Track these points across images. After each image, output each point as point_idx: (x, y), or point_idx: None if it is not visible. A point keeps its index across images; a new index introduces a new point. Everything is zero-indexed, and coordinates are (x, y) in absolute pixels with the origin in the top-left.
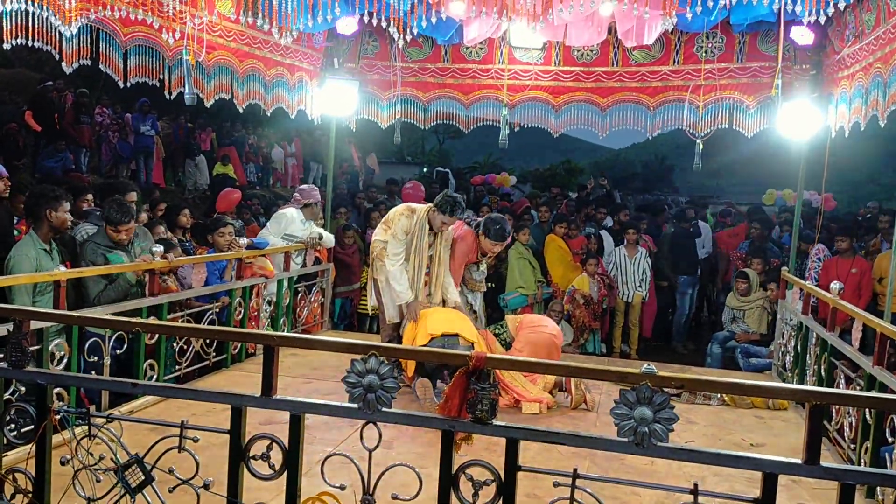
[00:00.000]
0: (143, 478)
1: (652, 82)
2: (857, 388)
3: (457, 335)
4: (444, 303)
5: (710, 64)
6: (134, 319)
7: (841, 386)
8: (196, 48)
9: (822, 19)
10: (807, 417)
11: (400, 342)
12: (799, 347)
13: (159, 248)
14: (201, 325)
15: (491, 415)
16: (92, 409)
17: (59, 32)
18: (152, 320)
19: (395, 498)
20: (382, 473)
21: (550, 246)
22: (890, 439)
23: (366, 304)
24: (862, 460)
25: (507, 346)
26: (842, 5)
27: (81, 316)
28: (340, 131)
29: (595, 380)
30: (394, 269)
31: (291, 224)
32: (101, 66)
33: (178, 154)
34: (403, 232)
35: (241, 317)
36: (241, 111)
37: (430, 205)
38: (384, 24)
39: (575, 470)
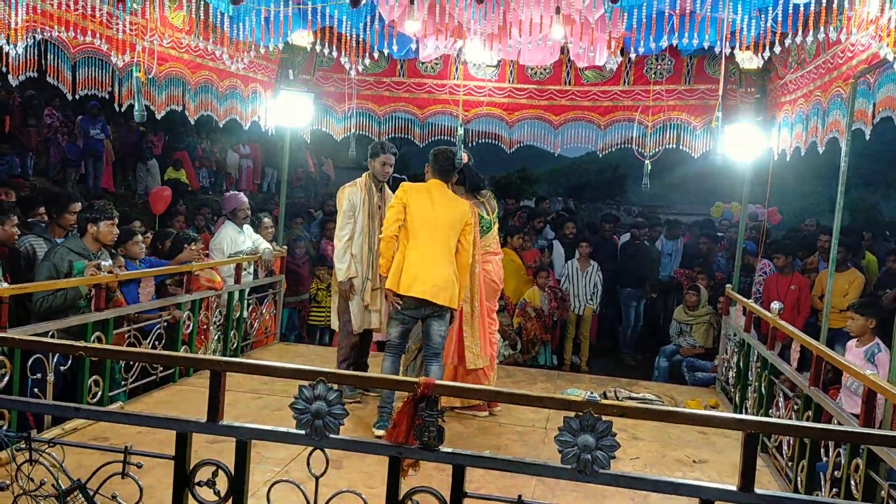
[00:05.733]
0: None
1: (603, 102)
2: (795, 406)
3: (429, 302)
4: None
5: (658, 85)
6: (77, 343)
7: (780, 404)
8: (147, 61)
9: (766, 55)
10: (742, 445)
11: (359, 353)
12: (741, 364)
13: (108, 263)
14: (144, 349)
15: (438, 441)
16: (34, 433)
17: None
18: (95, 344)
19: None
20: (329, 500)
21: (504, 259)
22: (824, 458)
23: (316, 316)
24: (798, 478)
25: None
26: (787, 42)
27: (21, 338)
28: (297, 138)
29: (539, 407)
30: (339, 245)
31: (233, 244)
32: (49, 79)
33: (129, 158)
34: (349, 203)
35: (189, 330)
36: (192, 122)
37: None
38: (335, 53)
39: (519, 496)
